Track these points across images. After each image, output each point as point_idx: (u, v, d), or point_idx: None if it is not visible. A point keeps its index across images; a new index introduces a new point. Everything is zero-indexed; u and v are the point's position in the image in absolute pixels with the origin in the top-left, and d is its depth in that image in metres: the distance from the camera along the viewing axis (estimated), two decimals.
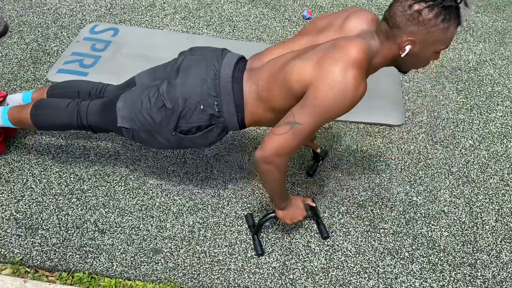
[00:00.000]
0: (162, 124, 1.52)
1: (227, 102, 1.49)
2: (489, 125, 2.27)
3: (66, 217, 1.78)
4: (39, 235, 1.72)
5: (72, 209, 1.81)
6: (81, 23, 2.66)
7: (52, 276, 1.64)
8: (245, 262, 1.70)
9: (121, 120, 1.56)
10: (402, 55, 1.31)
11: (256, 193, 1.90)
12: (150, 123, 1.53)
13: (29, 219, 1.76)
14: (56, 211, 1.80)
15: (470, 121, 2.29)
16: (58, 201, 1.82)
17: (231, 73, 1.50)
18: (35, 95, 1.91)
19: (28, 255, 1.66)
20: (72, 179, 1.90)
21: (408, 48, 1.28)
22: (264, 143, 1.37)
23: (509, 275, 1.72)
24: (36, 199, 1.83)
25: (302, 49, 1.42)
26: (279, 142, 1.35)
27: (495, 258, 1.76)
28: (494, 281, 1.70)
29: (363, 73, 1.31)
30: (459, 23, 1.26)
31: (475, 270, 1.73)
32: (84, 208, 1.81)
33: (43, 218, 1.77)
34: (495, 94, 2.44)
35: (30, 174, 1.90)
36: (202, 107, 1.48)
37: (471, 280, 1.70)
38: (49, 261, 1.66)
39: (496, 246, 1.80)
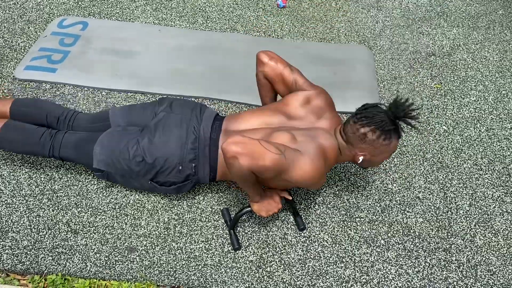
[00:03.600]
0: (140, 173, 1.62)
1: (203, 164, 1.61)
2: (462, 110, 2.29)
3: (37, 218, 1.74)
4: (10, 238, 1.68)
5: (43, 210, 1.76)
6: (49, 17, 2.58)
7: (24, 280, 1.60)
8: (222, 257, 1.69)
9: (97, 163, 1.63)
10: (359, 162, 1.56)
11: (232, 187, 1.89)
12: (127, 171, 1.62)
13: None
14: (27, 212, 1.75)
15: (444, 106, 2.30)
16: (28, 203, 1.78)
17: (209, 135, 1.61)
18: None
19: None
20: (42, 179, 1.85)
21: (361, 158, 1.54)
22: (243, 139, 1.39)
23: (484, 258, 1.75)
24: (6, 201, 1.78)
25: (279, 127, 1.59)
26: (257, 150, 1.39)
27: (470, 243, 1.79)
28: (469, 265, 1.73)
29: (328, 169, 1.60)
30: (400, 136, 1.52)
31: (450, 255, 1.75)
32: (56, 208, 1.77)
33: (13, 221, 1.73)
34: (468, 79, 2.46)
35: None
36: (180, 167, 1.59)
37: (446, 265, 1.72)
38: (21, 264, 1.62)
39: (470, 230, 1.83)
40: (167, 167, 1.59)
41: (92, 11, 2.65)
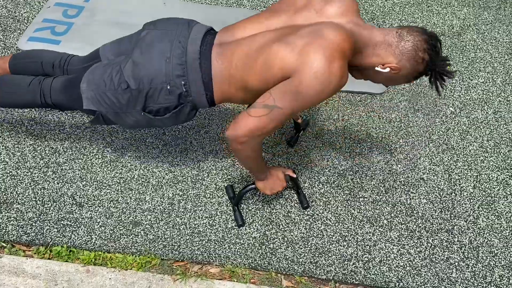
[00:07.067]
0: (129, 105, 1.46)
1: (195, 81, 1.43)
2: (470, 92, 2.27)
3: (42, 190, 1.75)
4: (15, 209, 1.69)
5: (48, 182, 1.77)
6: None
7: (29, 251, 1.62)
8: (225, 233, 1.70)
9: (86, 102, 1.50)
10: (376, 68, 1.38)
11: (236, 164, 1.88)
12: (116, 105, 1.47)
13: (3, 193, 1.72)
14: (32, 184, 1.76)
15: (452, 88, 2.28)
16: (33, 175, 1.78)
17: (199, 48, 1.43)
18: None
19: (4, 230, 1.63)
20: (47, 152, 1.85)
21: (387, 70, 1.37)
22: (237, 123, 1.35)
23: (486, 240, 1.76)
24: (10, 173, 1.78)
25: (280, 29, 1.39)
26: (254, 124, 1.33)
27: (472, 224, 1.80)
28: (471, 246, 1.74)
29: (346, 64, 1.31)
30: (436, 85, 1.45)
31: (452, 236, 1.76)
32: (61, 181, 1.78)
33: (18, 192, 1.73)
34: (477, 60, 2.42)
35: (3, 147, 1.85)
36: (168, 87, 1.42)
37: (448, 245, 1.73)
38: (26, 235, 1.63)
39: (473, 212, 1.83)
40: (154, 89, 1.42)
41: None
